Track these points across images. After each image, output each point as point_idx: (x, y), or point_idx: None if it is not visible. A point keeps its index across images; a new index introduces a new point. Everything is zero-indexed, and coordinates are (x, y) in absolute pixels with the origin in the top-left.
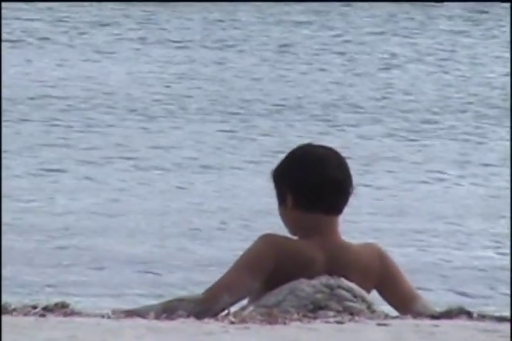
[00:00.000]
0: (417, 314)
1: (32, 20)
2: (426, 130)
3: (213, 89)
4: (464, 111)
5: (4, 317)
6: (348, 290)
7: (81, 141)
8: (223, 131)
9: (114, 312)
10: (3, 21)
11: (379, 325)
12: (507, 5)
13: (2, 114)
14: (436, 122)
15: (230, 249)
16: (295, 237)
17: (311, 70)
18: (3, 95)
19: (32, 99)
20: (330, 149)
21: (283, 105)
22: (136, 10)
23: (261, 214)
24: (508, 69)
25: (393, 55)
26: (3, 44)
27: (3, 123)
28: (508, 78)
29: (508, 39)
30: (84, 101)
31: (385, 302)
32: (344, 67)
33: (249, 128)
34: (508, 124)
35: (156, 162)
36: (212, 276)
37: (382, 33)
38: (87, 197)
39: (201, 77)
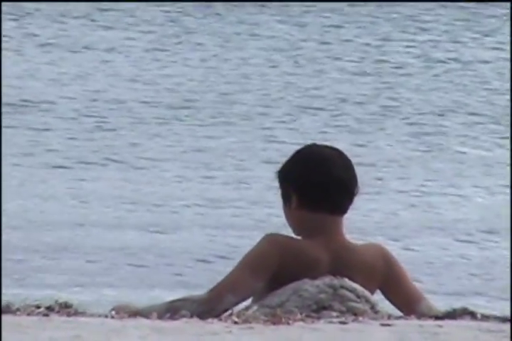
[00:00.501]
0: (421, 315)
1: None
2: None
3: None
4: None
5: (7, 317)
6: (352, 290)
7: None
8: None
9: (117, 311)
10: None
11: (382, 325)
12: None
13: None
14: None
15: None
16: (299, 237)
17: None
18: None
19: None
20: (335, 149)
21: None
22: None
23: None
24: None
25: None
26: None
27: None
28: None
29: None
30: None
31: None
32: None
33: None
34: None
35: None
36: None
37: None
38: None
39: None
